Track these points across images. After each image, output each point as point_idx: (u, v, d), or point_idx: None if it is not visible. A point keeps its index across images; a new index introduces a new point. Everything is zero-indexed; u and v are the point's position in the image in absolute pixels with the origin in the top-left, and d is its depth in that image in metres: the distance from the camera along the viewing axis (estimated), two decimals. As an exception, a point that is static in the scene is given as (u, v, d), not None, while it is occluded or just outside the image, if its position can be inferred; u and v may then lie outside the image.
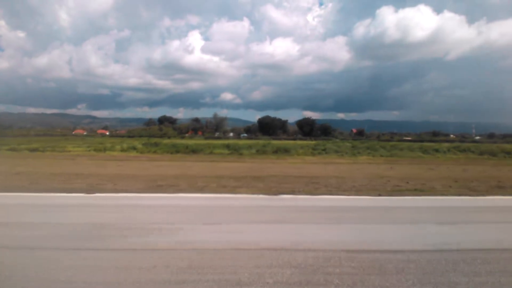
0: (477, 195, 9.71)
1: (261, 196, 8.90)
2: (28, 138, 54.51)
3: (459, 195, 9.64)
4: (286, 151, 32.60)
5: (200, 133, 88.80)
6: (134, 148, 30.82)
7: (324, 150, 32.75)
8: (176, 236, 5.11)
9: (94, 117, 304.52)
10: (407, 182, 12.14)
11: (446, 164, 22.81)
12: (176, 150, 30.44)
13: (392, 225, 5.97)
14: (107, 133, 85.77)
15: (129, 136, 65.73)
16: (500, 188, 10.95)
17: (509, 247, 4.78)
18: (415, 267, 3.93)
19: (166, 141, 37.88)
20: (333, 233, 5.41)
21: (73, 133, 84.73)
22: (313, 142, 42.72)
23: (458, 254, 4.43)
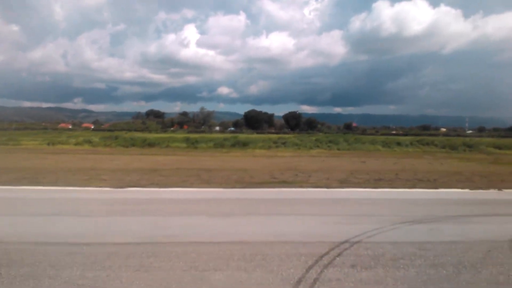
0: (341, 187, 9.49)
1: (106, 189, 8.71)
2: (9, 132, 54.42)
3: (325, 187, 9.43)
4: (244, 144, 32.41)
5: (185, 127, 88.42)
6: (90, 142, 30.69)
7: (284, 143, 32.56)
8: None
9: (91, 111, 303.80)
10: (296, 175, 11.96)
11: (390, 158, 22.53)
12: (132, 143, 30.23)
13: (151, 217, 5.86)
14: (92, 127, 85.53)
15: (109, 130, 65.64)
16: (377, 181, 10.74)
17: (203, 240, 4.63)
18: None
19: (127, 134, 37.69)
20: (66, 226, 5.25)
21: (58, 126, 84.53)
22: (277, 136, 42.50)
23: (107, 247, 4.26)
